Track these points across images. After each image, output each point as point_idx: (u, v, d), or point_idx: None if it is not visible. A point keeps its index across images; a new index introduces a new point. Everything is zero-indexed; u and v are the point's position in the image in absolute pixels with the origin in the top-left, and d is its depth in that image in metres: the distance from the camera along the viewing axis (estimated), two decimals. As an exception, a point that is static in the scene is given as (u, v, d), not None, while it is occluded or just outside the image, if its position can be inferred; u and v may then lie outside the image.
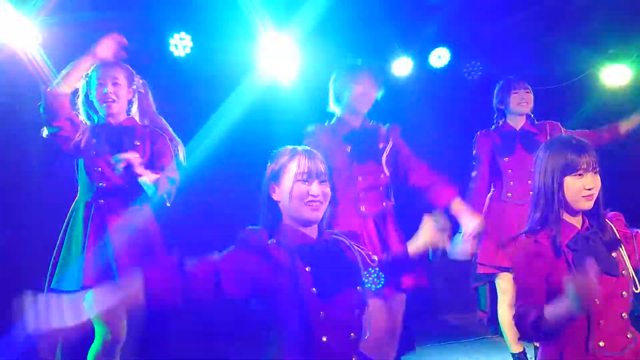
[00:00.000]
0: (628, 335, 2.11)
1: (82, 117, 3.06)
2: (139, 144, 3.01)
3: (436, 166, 5.90)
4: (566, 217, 2.15)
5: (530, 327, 2.01)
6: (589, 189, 2.09)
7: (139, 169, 2.85)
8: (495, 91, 3.90)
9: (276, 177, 2.02)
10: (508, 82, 3.84)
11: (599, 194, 2.13)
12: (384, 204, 3.24)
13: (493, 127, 3.86)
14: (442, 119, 5.82)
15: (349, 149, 3.21)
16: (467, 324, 5.62)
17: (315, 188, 1.97)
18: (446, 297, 6.13)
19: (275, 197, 2.03)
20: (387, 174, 3.25)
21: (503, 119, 3.83)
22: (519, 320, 2.06)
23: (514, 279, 2.20)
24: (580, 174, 2.09)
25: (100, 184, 2.95)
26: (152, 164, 3.02)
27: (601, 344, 2.05)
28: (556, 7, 4.53)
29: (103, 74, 2.98)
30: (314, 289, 1.88)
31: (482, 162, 3.78)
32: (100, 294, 2.80)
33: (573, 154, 2.09)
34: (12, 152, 4.09)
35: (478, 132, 3.83)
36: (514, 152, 3.70)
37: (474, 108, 4.54)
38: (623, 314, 2.10)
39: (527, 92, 3.78)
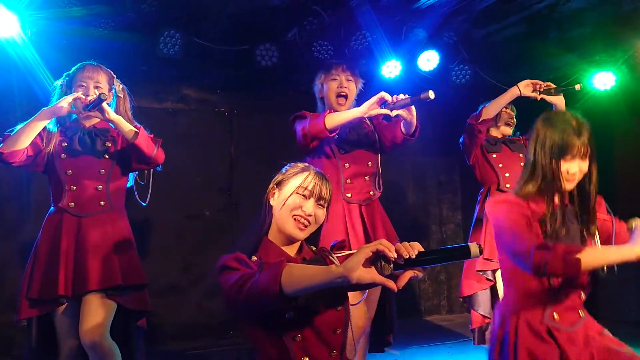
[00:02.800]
0: (580, 313, 2.17)
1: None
2: (110, 145, 2.98)
3: (423, 168, 5.95)
4: None
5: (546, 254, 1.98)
6: (572, 173, 2.14)
7: (107, 108, 2.81)
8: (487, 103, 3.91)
9: (280, 183, 2.03)
10: None
11: (592, 178, 2.17)
12: (371, 192, 3.28)
13: None
14: (430, 121, 5.86)
15: (335, 137, 3.26)
16: (452, 325, 5.67)
17: (309, 206, 1.97)
18: (431, 299, 6.17)
19: (272, 201, 2.03)
20: (375, 162, 3.30)
21: (487, 132, 3.89)
22: (530, 253, 2.02)
23: (500, 225, 2.17)
24: (570, 158, 2.14)
25: (72, 187, 2.90)
26: (128, 156, 2.99)
27: (555, 316, 2.11)
28: (544, 14, 4.57)
29: (85, 76, 2.93)
30: (288, 313, 1.83)
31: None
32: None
33: (570, 136, 2.12)
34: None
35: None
36: (501, 150, 3.83)
37: (462, 111, 4.57)
38: (582, 295, 2.16)
39: (513, 112, 3.92)
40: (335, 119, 3.08)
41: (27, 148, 2.81)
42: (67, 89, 2.96)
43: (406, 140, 3.24)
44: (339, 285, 1.61)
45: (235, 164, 5.34)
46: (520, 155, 3.79)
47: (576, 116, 2.18)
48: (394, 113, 3.02)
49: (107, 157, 2.96)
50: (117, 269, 2.84)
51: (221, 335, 5.14)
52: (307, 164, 2.07)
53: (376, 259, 1.63)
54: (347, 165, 3.24)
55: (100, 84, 2.94)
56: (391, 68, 4.85)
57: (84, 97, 2.81)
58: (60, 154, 2.91)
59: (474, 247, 1.62)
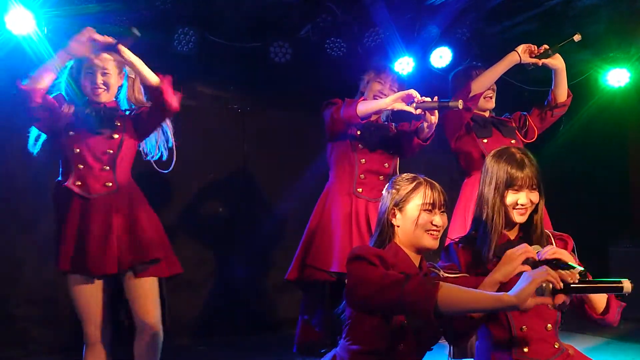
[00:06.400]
0: (555, 345, 2.14)
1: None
2: (119, 124, 2.94)
3: (437, 164, 5.95)
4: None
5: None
6: (522, 204, 2.16)
7: (123, 48, 2.76)
8: (456, 78, 3.59)
9: (399, 204, 2.14)
10: (470, 70, 3.52)
11: (537, 209, 2.19)
12: (382, 192, 3.28)
13: None
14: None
15: (357, 132, 3.28)
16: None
17: (438, 218, 2.11)
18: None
19: (395, 221, 2.14)
20: (393, 165, 3.32)
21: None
22: None
23: None
24: (516, 189, 2.16)
25: (79, 165, 2.86)
26: (142, 124, 2.98)
27: (525, 350, 2.10)
28: (557, 10, 4.55)
29: (93, 63, 2.90)
30: (405, 320, 1.97)
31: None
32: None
33: (513, 169, 2.16)
34: (15, 142, 4.08)
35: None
36: (492, 134, 3.42)
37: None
38: (548, 326, 2.13)
39: (492, 89, 3.47)
40: (366, 107, 3.12)
41: (45, 95, 2.77)
42: (76, 73, 2.96)
43: (419, 145, 3.24)
44: (503, 311, 1.80)
45: (248, 161, 5.36)
46: (513, 141, 3.36)
47: (522, 151, 2.22)
48: (418, 111, 2.98)
49: (116, 136, 2.92)
50: (129, 246, 2.83)
51: (234, 331, 5.16)
52: (414, 175, 2.19)
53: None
54: (363, 160, 3.26)
55: (107, 69, 2.91)
56: (404, 65, 4.83)
57: (100, 36, 2.74)
58: (68, 130, 2.89)
59: (626, 284, 1.74)
